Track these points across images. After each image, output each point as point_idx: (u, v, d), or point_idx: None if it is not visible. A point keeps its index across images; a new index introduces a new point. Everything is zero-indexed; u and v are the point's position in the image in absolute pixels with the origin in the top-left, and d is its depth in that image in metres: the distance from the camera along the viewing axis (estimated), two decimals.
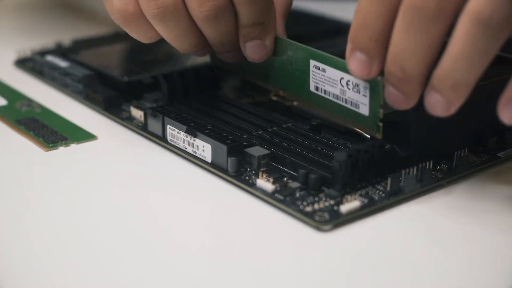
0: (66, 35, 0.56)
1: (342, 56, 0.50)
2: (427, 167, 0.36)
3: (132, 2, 0.39)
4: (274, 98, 0.45)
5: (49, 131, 0.43)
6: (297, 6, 0.62)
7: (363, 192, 0.36)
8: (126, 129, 0.43)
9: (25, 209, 0.35)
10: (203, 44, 0.40)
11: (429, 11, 0.31)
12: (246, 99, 0.46)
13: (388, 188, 0.36)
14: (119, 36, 0.55)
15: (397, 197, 0.36)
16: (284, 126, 0.41)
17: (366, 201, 0.35)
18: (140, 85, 0.46)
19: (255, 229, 0.34)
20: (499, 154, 0.40)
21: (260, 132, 0.40)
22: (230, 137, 0.38)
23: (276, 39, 0.40)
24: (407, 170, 0.36)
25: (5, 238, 0.33)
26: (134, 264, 0.31)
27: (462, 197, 0.36)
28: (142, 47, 0.42)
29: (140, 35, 0.40)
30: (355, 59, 0.34)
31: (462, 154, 0.38)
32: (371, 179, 0.36)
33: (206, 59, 0.46)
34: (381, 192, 0.36)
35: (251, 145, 0.38)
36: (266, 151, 0.38)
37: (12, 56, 0.54)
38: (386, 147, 0.36)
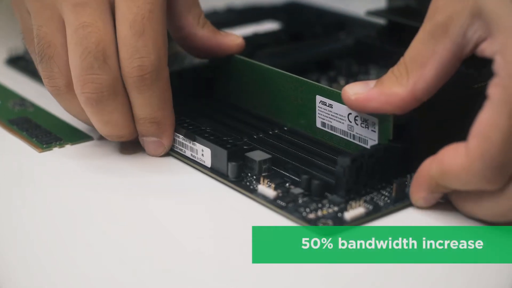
0: None
1: (346, 53, 0.49)
2: None
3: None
4: None
5: (43, 131, 0.42)
6: (299, 0, 0.61)
7: (368, 198, 0.35)
8: None
9: (18, 212, 0.35)
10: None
11: None
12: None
13: (394, 194, 0.35)
14: None
15: (403, 203, 0.35)
16: (286, 128, 0.40)
17: (371, 207, 0.34)
18: None
19: None
20: None
21: (261, 135, 0.40)
22: (230, 141, 0.37)
23: (282, 74, 0.39)
24: (413, 175, 0.35)
25: None
26: (131, 266, 0.31)
27: None
28: None
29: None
30: None
31: None
32: (376, 185, 0.36)
33: (204, 59, 0.45)
34: (386, 198, 0.35)
35: (252, 149, 0.37)
36: (267, 156, 0.37)
37: (4, 55, 0.53)
38: (391, 151, 0.35)
